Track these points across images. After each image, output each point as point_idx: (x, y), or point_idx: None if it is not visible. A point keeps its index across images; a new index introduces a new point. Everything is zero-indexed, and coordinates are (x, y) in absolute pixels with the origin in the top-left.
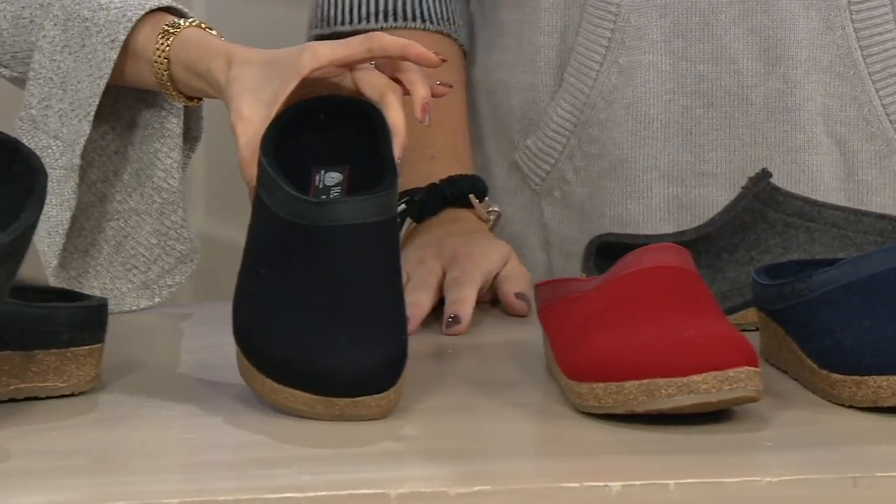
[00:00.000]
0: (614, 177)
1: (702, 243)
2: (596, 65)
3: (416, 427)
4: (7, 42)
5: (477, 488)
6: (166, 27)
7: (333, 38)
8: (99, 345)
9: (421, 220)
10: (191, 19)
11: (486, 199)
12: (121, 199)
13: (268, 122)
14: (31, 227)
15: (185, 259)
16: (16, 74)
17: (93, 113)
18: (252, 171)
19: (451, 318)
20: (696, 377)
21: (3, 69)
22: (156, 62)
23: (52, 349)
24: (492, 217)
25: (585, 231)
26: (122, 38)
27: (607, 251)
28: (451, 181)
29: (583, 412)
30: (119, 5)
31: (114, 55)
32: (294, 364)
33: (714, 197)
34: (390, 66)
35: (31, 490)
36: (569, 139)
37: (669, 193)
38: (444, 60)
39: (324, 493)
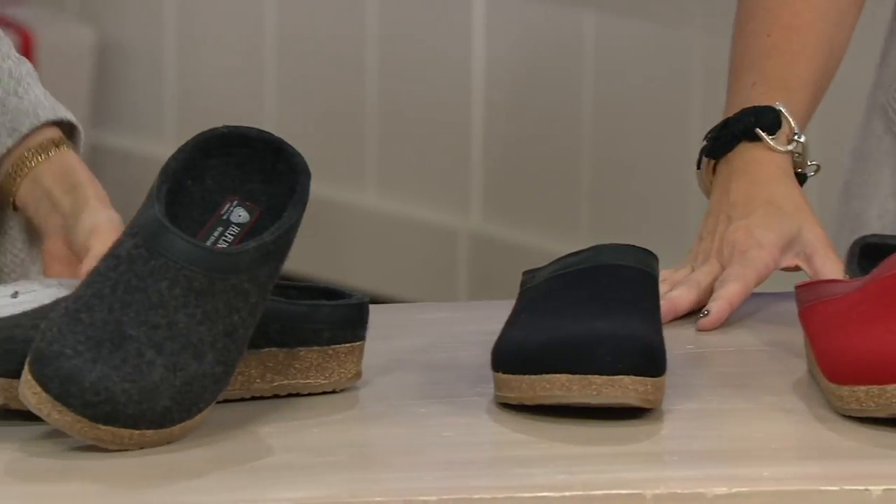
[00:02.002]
0: None
1: None
2: None
3: (674, 428)
4: None
5: (735, 490)
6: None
7: None
8: (360, 342)
9: (717, 157)
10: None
11: (792, 126)
12: None
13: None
14: (294, 226)
15: None
16: None
17: None
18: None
19: (704, 312)
20: None
21: None
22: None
23: (314, 347)
24: (790, 147)
25: None
26: (25, 130)
27: (871, 253)
28: (741, 115)
29: (844, 415)
30: (33, 100)
31: (9, 142)
32: (551, 350)
33: None
34: None
35: (292, 485)
36: None
37: None
38: None
39: (579, 492)
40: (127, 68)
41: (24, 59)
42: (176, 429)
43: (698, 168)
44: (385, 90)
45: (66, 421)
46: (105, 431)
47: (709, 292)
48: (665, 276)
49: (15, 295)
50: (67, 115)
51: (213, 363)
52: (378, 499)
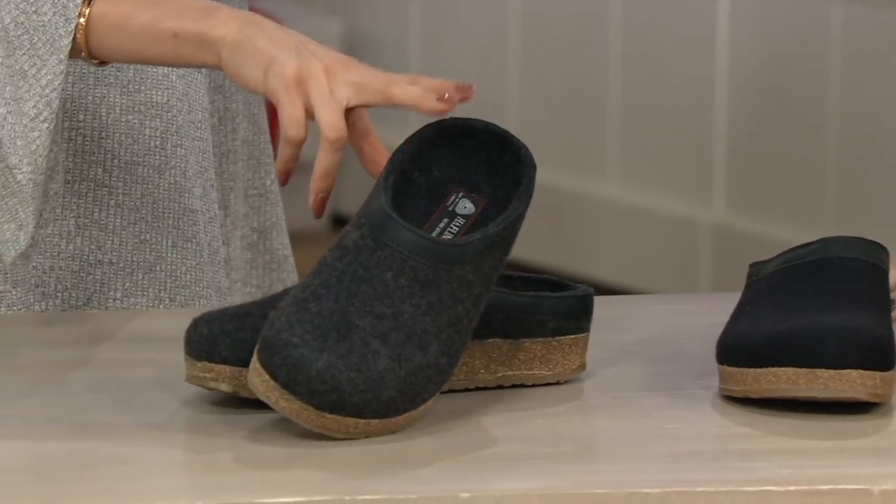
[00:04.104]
0: None
1: None
2: None
3: None
4: None
5: None
6: None
7: None
8: (584, 334)
9: None
10: None
11: None
12: None
13: None
14: (519, 218)
15: None
16: None
17: None
18: None
19: None
20: None
21: None
22: None
23: (539, 338)
24: None
25: None
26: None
27: None
28: None
29: None
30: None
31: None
32: (777, 343)
33: None
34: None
35: (516, 475)
36: None
37: None
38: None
39: (804, 487)
40: (374, 60)
41: None
42: (400, 419)
43: None
44: (628, 80)
45: (293, 409)
46: (331, 420)
47: None
48: None
49: None
50: None
51: (437, 354)
52: (600, 491)
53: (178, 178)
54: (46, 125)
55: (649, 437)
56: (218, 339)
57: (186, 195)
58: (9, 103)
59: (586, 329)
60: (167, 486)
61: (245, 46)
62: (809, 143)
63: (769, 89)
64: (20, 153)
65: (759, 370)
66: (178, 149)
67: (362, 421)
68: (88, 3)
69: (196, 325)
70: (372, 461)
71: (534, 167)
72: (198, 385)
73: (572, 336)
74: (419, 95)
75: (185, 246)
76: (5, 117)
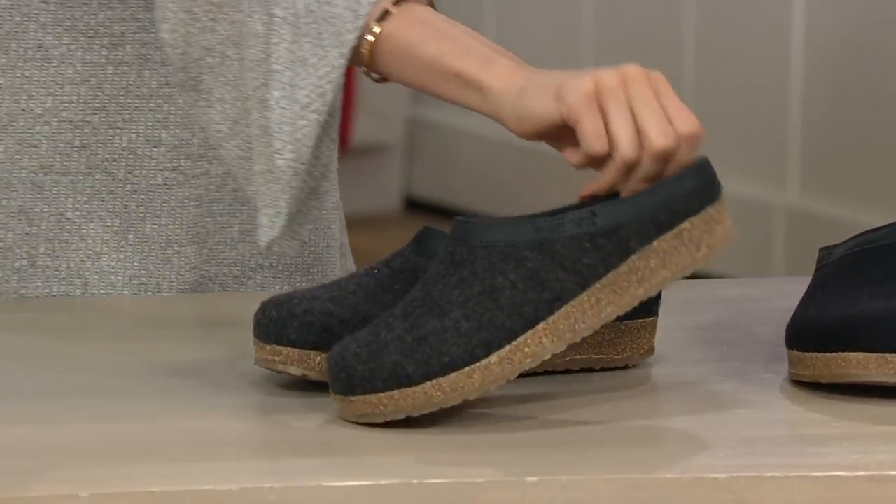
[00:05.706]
0: None
1: None
2: None
3: None
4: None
5: None
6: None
7: None
8: (653, 318)
9: None
10: None
11: None
12: None
13: None
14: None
15: None
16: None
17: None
18: None
19: None
20: None
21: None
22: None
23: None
24: None
25: None
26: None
27: None
28: None
29: None
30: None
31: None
32: (847, 327)
33: None
34: None
35: (583, 459)
36: None
37: None
38: None
39: (873, 472)
40: None
41: None
42: (428, 386)
43: None
44: (702, 62)
45: (340, 406)
46: (358, 402)
47: None
48: None
49: None
50: None
51: (457, 319)
52: (668, 475)
53: (332, 180)
54: (316, 116)
55: (717, 421)
56: (286, 322)
57: (335, 193)
58: (285, 88)
59: (655, 313)
60: (236, 469)
61: (530, 89)
62: (886, 125)
63: (845, 71)
64: (285, 138)
65: (828, 355)
66: (332, 152)
67: (383, 395)
68: (380, 20)
69: (265, 308)
70: (439, 445)
71: None
72: (266, 368)
73: (641, 320)
74: (608, 178)
75: (331, 244)
76: (279, 101)
